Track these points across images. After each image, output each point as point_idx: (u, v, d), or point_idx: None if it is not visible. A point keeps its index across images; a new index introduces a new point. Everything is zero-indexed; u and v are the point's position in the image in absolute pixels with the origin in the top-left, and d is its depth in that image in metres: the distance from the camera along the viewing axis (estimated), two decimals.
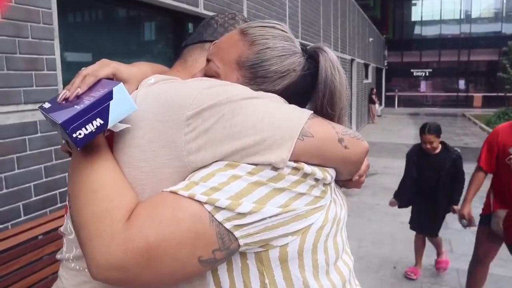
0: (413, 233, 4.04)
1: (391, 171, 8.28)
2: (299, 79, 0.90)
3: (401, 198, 3.99)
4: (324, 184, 0.80)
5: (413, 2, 31.24)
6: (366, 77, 18.12)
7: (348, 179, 0.93)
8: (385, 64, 27.11)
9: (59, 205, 2.60)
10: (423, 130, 3.74)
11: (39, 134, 2.45)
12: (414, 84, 30.46)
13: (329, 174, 0.81)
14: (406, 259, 4.25)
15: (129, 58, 3.76)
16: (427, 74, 28.92)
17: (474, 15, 29.69)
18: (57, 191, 2.59)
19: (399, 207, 4.05)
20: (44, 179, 2.50)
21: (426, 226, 3.91)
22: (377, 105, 19.21)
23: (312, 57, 0.92)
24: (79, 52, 3.18)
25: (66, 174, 2.64)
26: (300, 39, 7.58)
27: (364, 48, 16.70)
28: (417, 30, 30.85)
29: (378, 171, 8.41)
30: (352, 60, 13.61)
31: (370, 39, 18.28)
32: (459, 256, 4.31)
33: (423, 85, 30.30)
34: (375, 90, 19.35)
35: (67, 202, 0.89)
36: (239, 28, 0.91)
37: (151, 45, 4.15)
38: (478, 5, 29.58)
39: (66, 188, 2.62)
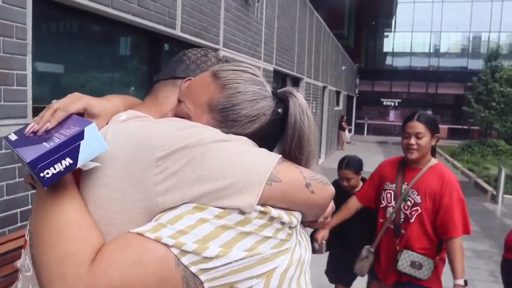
0: None
1: None
2: (268, 123, 0.91)
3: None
4: (290, 227, 0.81)
5: (385, 34, 32.32)
6: (337, 104, 18.47)
7: (313, 221, 0.95)
8: (357, 92, 27.75)
9: (19, 224, 2.52)
10: (341, 164, 3.30)
11: (3, 151, 2.39)
12: (384, 113, 31.28)
13: (295, 218, 0.82)
14: None
15: (103, 74, 3.73)
16: (396, 104, 29.75)
17: (443, 49, 30.94)
18: (18, 210, 2.51)
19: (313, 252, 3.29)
20: (5, 197, 2.42)
21: (342, 274, 3.41)
22: (346, 132, 19.58)
23: (282, 101, 0.94)
24: (52, 68, 3.14)
25: (29, 192, 2.57)
26: (275, 65, 7.70)
27: (337, 76, 17.07)
28: (388, 61, 31.85)
29: None
30: (324, 87, 13.87)
31: (343, 68, 18.72)
32: None
33: (392, 115, 31.14)
34: (345, 117, 19.74)
35: (27, 238, 0.87)
36: (211, 71, 0.92)
37: (126, 62, 4.13)
38: (447, 40, 30.86)
39: (28, 207, 2.55)
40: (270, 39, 7.33)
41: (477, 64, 25.45)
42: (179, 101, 0.92)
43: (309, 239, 0.93)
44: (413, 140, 2.43)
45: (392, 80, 30.05)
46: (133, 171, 0.74)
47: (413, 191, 2.49)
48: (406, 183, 2.52)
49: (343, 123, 18.78)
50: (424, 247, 2.46)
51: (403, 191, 2.52)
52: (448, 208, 2.37)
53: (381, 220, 2.65)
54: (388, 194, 2.60)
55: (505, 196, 8.54)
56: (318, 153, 13.29)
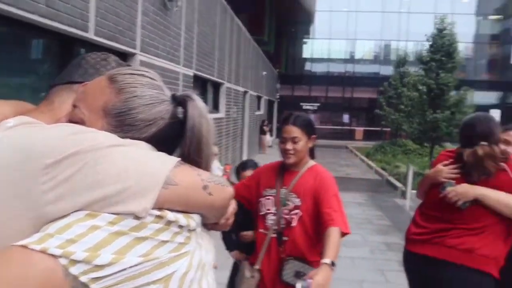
0: None
1: None
2: (167, 126, 0.91)
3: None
4: (189, 230, 0.82)
5: (304, 40, 33.47)
6: (259, 108, 18.80)
7: (215, 223, 0.97)
8: (277, 97, 28.41)
9: None
10: (240, 166, 3.26)
11: None
12: None
13: (194, 220, 0.83)
14: None
15: (11, 79, 3.50)
16: (315, 108, 30.88)
17: (358, 56, 32.68)
18: None
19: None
20: None
21: None
22: (268, 136, 19.99)
23: (180, 104, 0.94)
24: None
25: None
26: (195, 70, 7.69)
27: (258, 81, 17.38)
28: (307, 66, 33.01)
29: None
30: (245, 92, 14.06)
31: (264, 73, 19.10)
32: (337, 280, 4.61)
33: (311, 118, 32.25)
34: (266, 121, 20.14)
35: None
36: (108, 75, 0.91)
37: (36, 66, 3.91)
38: (361, 47, 32.65)
39: None
40: (189, 44, 7.31)
41: (388, 70, 27.15)
42: (74, 106, 0.90)
43: (211, 241, 0.96)
44: (289, 145, 2.36)
45: (311, 85, 31.20)
46: (18, 181, 0.71)
47: (292, 194, 2.37)
48: (285, 187, 2.40)
49: (265, 127, 19.15)
50: (308, 251, 2.33)
51: (282, 196, 2.39)
52: (325, 201, 2.25)
53: (261, 230, 2.43)
54: (268, 200, 2.44)
55: (413, 191, 9.19)
56: (240, 157, 13.44)
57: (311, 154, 2.51)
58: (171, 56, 6.27)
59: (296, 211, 2.35)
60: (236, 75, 12.24)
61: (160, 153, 0.86)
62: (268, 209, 2.44)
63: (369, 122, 30.99)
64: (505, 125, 2.61)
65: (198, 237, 0.87)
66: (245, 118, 14.29)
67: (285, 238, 2.36)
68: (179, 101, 0.95)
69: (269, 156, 17.63)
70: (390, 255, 5.65)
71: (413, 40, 28.66)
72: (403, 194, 10.01)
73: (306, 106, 30.64)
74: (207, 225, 0.95)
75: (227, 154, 10.93)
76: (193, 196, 0.83)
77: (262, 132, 18.96)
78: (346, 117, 31.97)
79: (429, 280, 2.35)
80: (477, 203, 2.20)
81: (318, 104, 30.91)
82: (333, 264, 2.00)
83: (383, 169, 14.29)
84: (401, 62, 22.46)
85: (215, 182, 0.89)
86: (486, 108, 25.50)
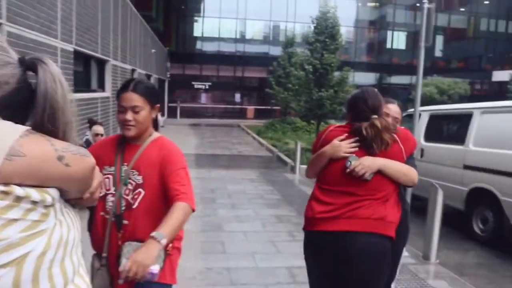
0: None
1: None
2: (13, 92, 0.82)
3: None
4: (45, 206, 0.75)
5: (195, 18, 32.95)
6: None
7: (79, 197, 0.89)
8: (168, 75, 27.79)
9: None
10: None
11: None
12: (196, 96, 32.16)
13: (49, 195, 0.76)
14: None
15: None
16: (207, 87, 30.82)
17: (248, 36, 33.09)
18: None
19: None
20: None
21: None
22: (159, 115, 19.48)
23: (30, 69, 0.86)
24: None
25: None
26: (75, 45, 7.12)
27: (147, 59, 16.77)
28: (198, 45, 32.64)
29: None
30: (133, 70, 13.48)
31: (153, 51, 18.48)
32: (230, 255, 4.70)
33: (203, 97, 32.24)
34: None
35: None
36: None
37: None
38: (251, 27, 33.10)
39: None
40: (68, 17, 6.74)
41: (277, 51, 27.92)
42: None
43: (75, 217, 0.88)
44: (129, 115, 2.03)
45: (202, 64, 30.98)
46: None
47: (133, 172, 2.08)
48: (126, 164, 2.11)
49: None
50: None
51: (123, 174, 2.10)
52: (172, 176, 2.02)
53: (101, 213, 2.13)
54: (107, 180, 2.12)
55: (301, 166, 9.68)
56: None
57: (155, 125, 2.24)
58: (46, 29, 5.72)
59: (138, 190, 2.06)
60: (123, 52, 11.64)
61: (5, 121, 0.76)
62: (108, 190, 2.11)
63: (260, 101, 31.83)
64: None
65: (58, 214, 0.80)
66: None
67: (125, 222, 2.06)
68: (28, 65, 0.86)
69: None
70: (280, 227, 5.89)
71: (300, 22, 29.78)
72: (293, 169, 10.50)
73: (197, 85, 30.43)
74: (71, 201, 0.87)
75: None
76: (46, 167, 0.75)
77: None
78: (237, 96, 32.42)
79: (341, 256, 2.30)
80: (379, 174, 2.30)
81: (209, 83, 30.86)
82: (165, 241, 1.78)
83: (274, 146, 14.83)
84: (289, 42, 23.29)
85: (72, 152, 0.81)
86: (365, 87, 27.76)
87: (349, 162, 2.30)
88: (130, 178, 2.08)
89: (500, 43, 34.80)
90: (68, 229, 0.82)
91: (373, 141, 2.30)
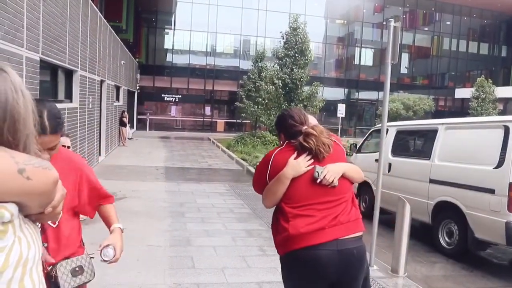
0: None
1: (139, 195, 8.30)
2: None
3: None
4: (3, 223, 0.71)
5: (165, 30, 32.79)
6: (117, 99, 17.91)
7: (40, 212, 0.84)
8: (138, 87, 27.46)
9: None
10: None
11: None
12: (165, 109, 31.90)
13: (8, 211, 0.72)
14: (150, 283, 4.29)
15: None
16: (177, 99, 30.58)
17: (219, 50, 33.14)
18: None
19: None
20: None
21: None
22: (128, 127, 19.20)
23: None
24: None
25: None
26: (41, 54, 6.94)
27: (116, 70, 16.51)
28: (168, 57, 32.43)
29: (126, 195, 8.30)
30: (102, 81, 13.24)
31: (122, 62, 18.22)
32: (200, 270, 4.61)
33: (173, 110, 31.98)
34: (126, 112, 19.33)
35: None
36: None
37: None
38: (222, 41, 33.19)
39: None
40: (34, 25, 6.56)
41: (247, 65, 28.03)
42: None
43: (35, 234, 0.83)
44: None
45: (173, 76, 30.78)
46: None
47: None
48: None
49: (124, 119, 18.36)
50: (73, 252, 2.00)
51: None
52: (87, 183, 2.01)
53: None
54: None
55: None
56: (98, 149, 12.65)
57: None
58: (11, 37, 5.55)
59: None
60: (92, 62, 11.42)
61: None
62: None
63: (230, 114, 31.81)
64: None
65: (17, 230, 0.75)
66: (103, 109, 13.46)
67: (44, 245, 1.86)
68: None
69: (129, 149, 17.00)
70: (251, 242, 5.84)
71: (271, 37, 30.08)
72: None
73: (167, 97, 30.16)
74: (31, 216, 0.83)
75: (83, 146, 10.17)
76: (5, 181, 0.72)
77: (122, 124, 18.14)
78: (207, 109, 32.31)
79: (339, 264, 2.26)
80: (341, 177, 2.38)
81: (179, 96, 30.62)
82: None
83: (244, 159, 14.79)
84: (259, 57, 23.45)
85: (34, 165, 0.78)
86: (334, 102, 28.36)
87: (317, 173, 2.33)
88: None
89: (461, 62, 36.23)
90: (28, 246, 0.77)
91: (318, 147, 2.38)
